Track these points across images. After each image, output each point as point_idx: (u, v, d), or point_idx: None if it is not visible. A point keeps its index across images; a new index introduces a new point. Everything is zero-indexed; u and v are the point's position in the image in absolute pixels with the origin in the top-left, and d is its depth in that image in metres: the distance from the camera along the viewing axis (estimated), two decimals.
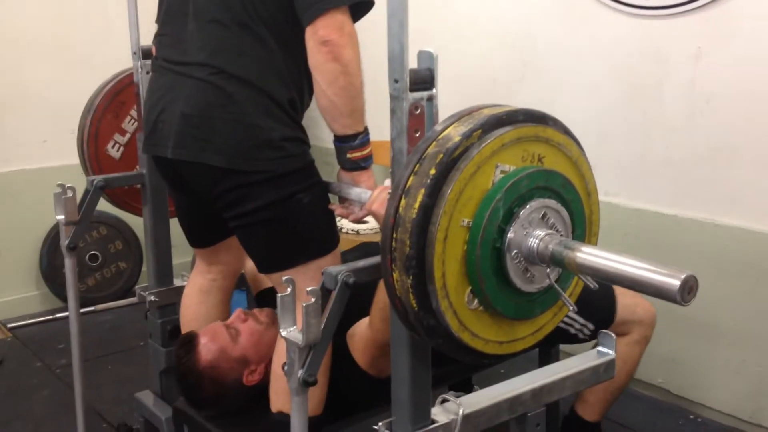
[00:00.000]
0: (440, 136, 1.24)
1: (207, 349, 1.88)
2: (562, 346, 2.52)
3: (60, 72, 3.78)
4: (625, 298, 2.11)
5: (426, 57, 1.38)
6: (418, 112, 1.34)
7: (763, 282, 2.44)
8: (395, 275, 1.23)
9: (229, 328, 1.92)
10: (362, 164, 1.73)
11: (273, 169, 1.71)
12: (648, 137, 2.70)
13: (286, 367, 1.34)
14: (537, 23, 3.01)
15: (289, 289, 1.32)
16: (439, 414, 1.47)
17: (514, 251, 1.26)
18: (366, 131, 1.73)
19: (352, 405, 1.95)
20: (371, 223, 3.34)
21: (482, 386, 2.76)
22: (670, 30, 2.58)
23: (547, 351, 2.43)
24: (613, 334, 1.69)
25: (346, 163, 1.74)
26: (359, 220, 1.80)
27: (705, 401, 2.67)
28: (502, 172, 1.26)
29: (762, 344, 2.49)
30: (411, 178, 1.22)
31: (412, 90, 1.33)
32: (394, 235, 1.21)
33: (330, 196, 1.84)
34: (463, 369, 2.21)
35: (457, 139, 1.22)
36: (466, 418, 1.46)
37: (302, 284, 1.53)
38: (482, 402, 1.50)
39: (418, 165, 1.23)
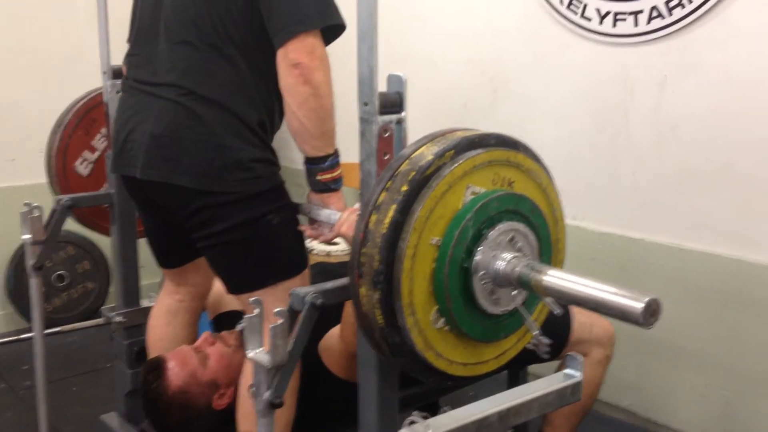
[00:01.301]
0: (413, 155, 1.26)
1: (176, 374, 1.86)
2: (530, 369, 2.53)
3: (30, 90, 3.75)
4: (581, 317, 2.13)
5: (395, 80, 1.40)
6: (387, 135, 1.36)
7: (729, 306, 2.48)
8: (362, 290, 1.24)
9: (197, 352, 1.90)
10: (332, 186, 1.74)
11: (242, 190, 1.71)
12: (616, 162, 2.73)
13: (252, 389, 1.33)
14: (507, 49, 3.04)
15: (256, 311, 1.31)
16: None
17: (482, 272, 1.27)
18: (336, 153, 1.74)
19: (331, 415, 1.94)
20: (342, 245, 3.34)
21: (450, 408, 2.76)
22: (636, 58, 2.62)
23: (515, 373, 2.44)
24: (579, 356, 1.71)
25: (315, 185, 1.74)
26: (329, 242, 1.80)
27: (672, 424, 2.69)
28: (473, 193, 1.28)
29: (727, 368, 2.52)
30: (382, 194, 1.24)
31: (381, 113, 1.35)
32: (363, 250, 1.23)
33: (300, 217, 1.84)
34: (431, 391, 2.21)
35: (429, 158, 1.24)
36: None
37: (271, 305, 1.52)
38: (449, 424, 1.50)
39: (390, 182, 1.24)
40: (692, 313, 2.55)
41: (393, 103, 1.38)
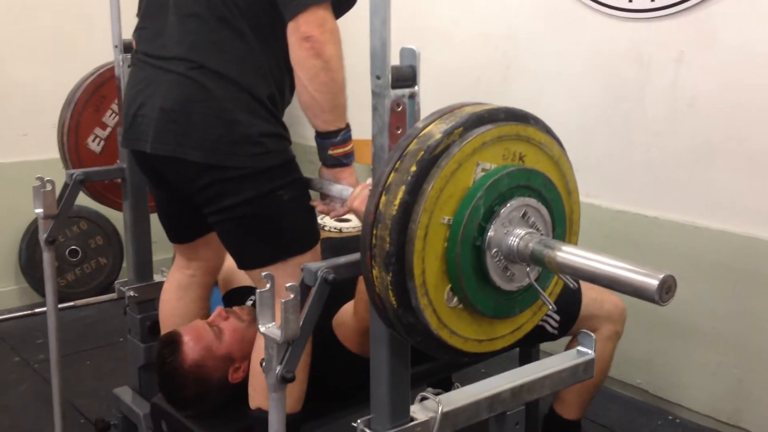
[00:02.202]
0: (421, 134, 1.24)
1: (191, 348, 1.87)
2: (542, 346, 2.53)
3: (41, 65, 3.75)
4: (591, 292, 2.12)
5: (408, 54, 1.38)
6: (399, 109, 1.34)
7: (742, 284, 2.46)
8: (375, 272, 1.22)
9: (212, 326, 1.91)
10: (344, 161, 1.73)
11: (252, 165, 1.70)
12: (630, 139, 2.71)
13: (264, 364, 1.33)
14: (520, 24, 3.01)
15: (268, 285, 1.31)
16: (418, 412, 1.47)
17: (494, 249, 1.26)
18: (348, 128, 1.72)
19: (342, 393, 1.94)
20: (354, 221, 3.33)
21: (463, 385, 2.76)
22: (652, 33, 2.59)
23: (527, 351, 2.44)
24: (592, 334, 1.70)
25: (327, 160, 1.73)
26: (340, 217, 1.80)
27: (683, 402, 2.69)
28: (483, 170, 1.26)
29: (740, 346, 2.51)
30: (392, 174, 1.21)
31: (394, 87, 1.33)
32: (374, 232, 1.21)
33: (311, 193, 1.83)
34: (443, 367, 2.21)
35: (438, 136, 1.22)
36: (445, 416, 1.46)
37: (282, 281, 1.53)
38: (461, 400, 1.50)
39: (399, 162, 1.22)
40: (705, 291, 2.54)
41: (406, 77, 1.35)
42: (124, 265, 3.93)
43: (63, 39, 3.80)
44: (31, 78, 3.73)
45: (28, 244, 3.77)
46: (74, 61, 3.65)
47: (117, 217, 3.84)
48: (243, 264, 1.83)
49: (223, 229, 1.81)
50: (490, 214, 1.25)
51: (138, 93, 1.79)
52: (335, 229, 3.29)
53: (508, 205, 1.26)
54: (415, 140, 1.23)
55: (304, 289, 1.34)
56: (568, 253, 1.22)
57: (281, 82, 1.77)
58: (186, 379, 1.86)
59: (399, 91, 1.34)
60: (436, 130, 1.23)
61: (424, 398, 1.50)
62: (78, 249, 3.84)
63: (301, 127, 2.49)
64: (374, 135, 1.35)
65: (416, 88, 1.36)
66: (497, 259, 1.27)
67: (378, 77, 1.33)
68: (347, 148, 1.72)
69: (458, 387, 2.73)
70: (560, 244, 1.25)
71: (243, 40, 1.70)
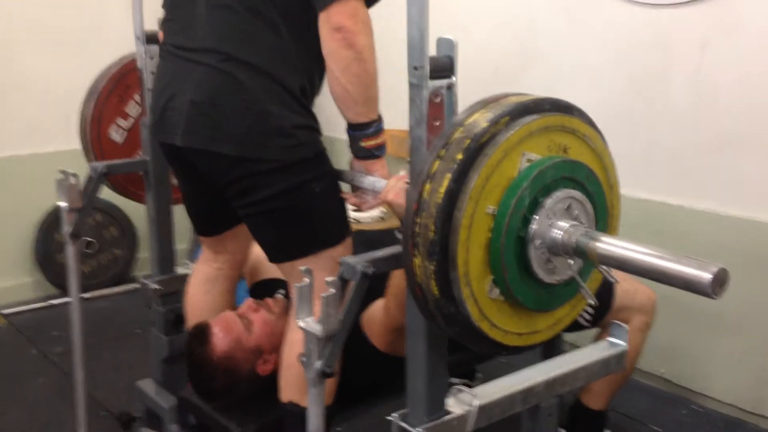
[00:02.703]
0: (466, 122, 1.23)
1: (221, 339, 1.86)
2: (566, 337, 2.51)
3: (54, 57, 3.73)
4: (624, 284, 2.11)
5: (446, 44, 1.37)
6: (437, 100, 1.32)
7: (767, 272, 2.45)
8: (417, 261, 1.21)
9: (242, 318, 1.90)
10: (376, 153, 1.71)
11: (284, 157, 1.68)
12: (653, 127, 2.69)
13: (303, 358, 1.32)
14: (539, 11, 2.99)
15: (306, 280, 1.30)
16: (454, 405, 1.46)
17: (538, 241, 1.25)
18: (380, 119, 1.71)
19: (364, 390, 1.93)
20: (373, 212, 3.31)
21: (485, 375, 2.76)
22: (676, 19, 2.56)
23: (551, 341, 2.43)
24: (624, 325, 1.69)
25: (359, 152, 1.72)
26: (371, 209, 1.78)
27: (707, 391, 2.68)
28: (529, 160, 1.25)
29: (765, 334, 2.49)
30: (436, 162, 1.20)
31: (432, 78, 1.31)
32: (417, 220, 1.20)
33: (342, 185, 1.82)
34: (469, 359, 2.20)
35: (484, 125, 1.21)
36: (481, 409, 1.45)
37: (314, 274, 1.52)
38: (496, 393, 1.49)
39: (443, 150, 1.21)
40: (731, 280, 2.51)
41: (443, 68, 1.34)
42: (139, 256, 3.99)
43: (76, 30, 3.78)
44: (44, 70, 3.71)
45: (42, 237, 3.76)
46: (88, 53, 3.65)
47: (131, 209, 3.85)
48: (274, 257, 1.82)
49: (255, 223, 1.79)
50: (535, 206, 1.24)
51: (167, 85, 1.77)
52: (353, 220, 3.27)
53: (553, 196, 1.26)
54: (460, 128, 1.22)
55: (343, 283, 1.32)
56: (615, 246, 1.21)
57: (312, 74, 1.75)
58: (215, 371, 1.85)
59: (437, 83, 1.32)
60: (482, 119, 1.22)
61: (459, 391, 1.49)
62: (93, 241, 3.83)
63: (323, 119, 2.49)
64: (411, 127, 1.34)
65: (454, 79, 1.35)
66: (541, 251, 1.26)
67: (416, 68, 1.31)
68: (379, 140, 1.71)
69: (481, 377, 2.74)
70: (605, 236, 1.24)
71: (274, 30, 1.68)
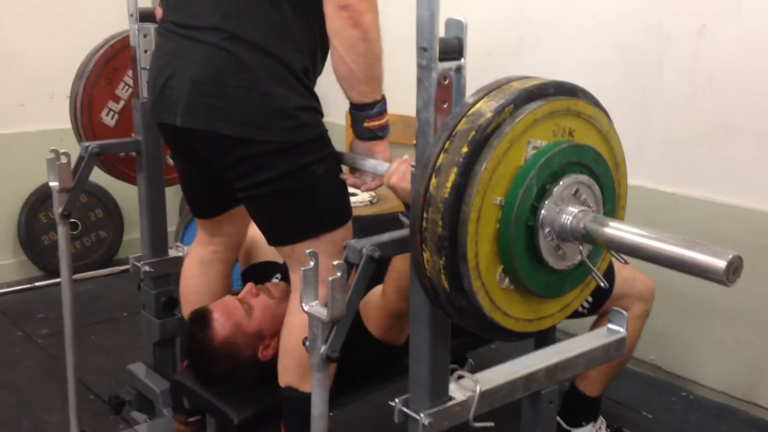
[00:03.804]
0: (470, 112, 1.20)
1: (221, 324, 1.83)
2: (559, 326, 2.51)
3: (38, 34, 3.66)
4: (623, 271, 2.11)
5: (455, 25, 1.34)
6: (446, 82, 1.30)
7: (760, 261, 2.45)
8: (426, 255, 1.19)
9: (242, 303, 1.87)
10: (379, 134, 1.70)
11: (286, 139, 1.66)
12: (647, 114, 2.68)
13: (307, 343, 1.30)
14: None
15: (312, 263, 1.28)
16: (456, 391, 1.46)
17: (547, 229, 1.24)
18: (384, 100, 1.69)
19: (359, 377, 1.92)
20: (361, 196, 3.30)
21: (475, 362, 2.76)
22: (672, 5, 2.55)
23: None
24: (624, 312, 1.69)
25: (362, 133, 1.70)
26: (372, 191, 1.77)
27: (697, 378, 2.69)
28: (534, 148, 1.23)
29: (757, 322, 2.50)
30: (441, 155, 1.18)
31: (440, 60, 1.29)
32: (425, 215, 1.18)
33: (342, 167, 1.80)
34: (463, 346, 2.19)
35: (489, 115, 1.18)
36: (483, 395, 1.44)
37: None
38: (498, 379, 1.49)
39: (448, 142, 1.19)
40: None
41: (452, 49, 1.31)
42: (126, 238, 3.95)
43: (61, 7, 3.71)
44: (28, 47, 3.65)
45: (27, 217, 3.71)
46: (74, 30, 3.60)
47: (117, 190, 3.80)
48: (274, 240, 1.80)
49: (255, 205, 1.77)
50: (543, 194, 1.23)
51: (167, 64, 1.73)
52: None
53: (561, 183, 1.24)
54: (464, 119, 1.20)
55: (349, 267, 1.30)
56: (627, 232, 1.20)
57: (315, 54, 1.73)
58: (215, 356, 1.83)
59: (446, 64, 1.30)
60: (486, 108, 1.20)
61: (460, 377, 1.49)
62: (78, 222, 3.78)
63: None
64: (419, 109, 1.32)
65: (463, 61, 1.33)
66: (550, 238, 1.25)
67: (425, 49, 1.29)
68: (383, 121, 1.69)
69: (472, 364, 2.73)
70: (614, 222, 1.23)
71: (277, 9, 1.65)
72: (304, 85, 1.69)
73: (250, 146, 1.66)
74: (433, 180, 1.17)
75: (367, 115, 1.67)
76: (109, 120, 2.39)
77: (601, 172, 1.33)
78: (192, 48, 1.69)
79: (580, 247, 1.28)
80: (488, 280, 1.22)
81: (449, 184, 1.16)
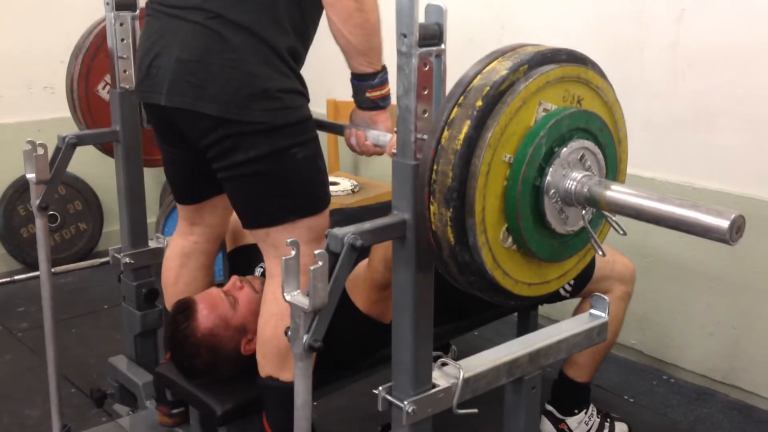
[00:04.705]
0: (485, 70, 1.23)
1: (205, 316, 1.82)
2: (541, 310, 2.52)
3: (15, 24, 3.60)
4: None
5: (434, 11, 1.34)
6: (426, 68, 1.30)
7: (741, 245, 2.43)
8: (433, 208, 1.22)
9: (227, 295, 1.86)
10: (381, 103, 1.71)
11: (268, 120, 1.65)
12: (628, 100, 2.62)
13: (289, 332, 1.29)
14: None
15: (293, 252, 1.27)
16: (440, 378, 1.46)
17: (552, 191, 1.26)
18: (384, 70, 1.70)
19: (345, 360, 1.92)
20: (342, 185, 3.29)
21: (459, 349, 2.76)
22: None
23: (526, 314, 2.44)
24: (605, 297, 1.70)
25: (364, 102, 1.71)
26: (369, 155, 1.79)
27: (678, 362, 2.71)
28: (545, 110, 1.26)
29: (738, 306, 2.52)
30: (455, 109, 1.21)
31: (420, 45, 1.28)
32: (435, 167, 1.21)
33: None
34: (446, 333, 2.19)
35: (504, 72, 1.22)
36: (466, 381, 1.46)
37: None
38: (481, 366, 1.50)
39: (462, 97, 1.21)
40: (703, 251, 2.54)
41: (433, 35, 1.31)
42: (105, 230, 3.91)
43: None
44: (4, 37, 3.59)
45: (5, 210, 3.66)
46: (51, 20, 3.55)
47: (96, 182, 3.77)
48: (249, 223, 1.78)
49: (233, 186, 1.75)
50: (551, 155, 1.26)
51: (153, 44, 1.72)
52: None
53: (568, 146, 1.27)
54: (479, 76, 1.23)
55: (331, 255, 1.29)
56: (630, 194, 1.22)
57: (304, 35, 1.72)
58: (198, 348, 1.81)
59: (426, 50, 1.30)
60: (501, 67, 1.23)
61: (444, 364, 1.49)
62: (57, 214, 3.74)
63: None
64: (399, 96, 1.32)
65: (443, 46, 1.32)
66: (554, 200, 1.28)
67: (404, 35, 1.28)
68: (384, 91, 1.71)
69: (455, 351, 2.73)
70: (618, 185, 1.26)
71: None
72: (289, 67, 1.68)
73: (232, 126, 1.64)
74: (446, 132, 1.21)
75: (369, 85, 1.68)
76: (105, 93, 2.37)
77: (606, 142, 1.35)
78: (178, 27, 1.68)
79: (583, 212, 1.30)
80: (492, 236, 1.25)
81: (462, 136, 1.19)
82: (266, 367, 1.77)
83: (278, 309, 1.69)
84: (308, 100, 1.75)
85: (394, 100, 1.42)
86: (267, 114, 1.64)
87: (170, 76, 1.67)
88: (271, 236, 1.74)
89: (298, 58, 1.73)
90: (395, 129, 1.33)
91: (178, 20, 1.68)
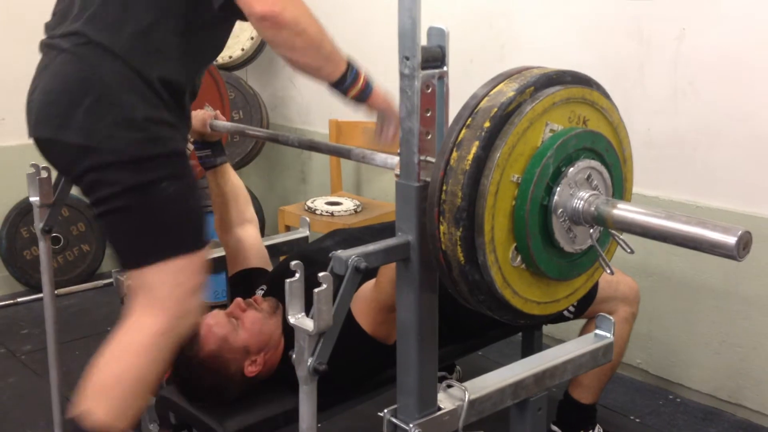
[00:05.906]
0: (491, 92, 1.26)
1: (209, 338, 1.80)
2: (547, 330, 2.52)
3: (14, 46, 3.62)
4: (607, 275, 2.10)
5: (437, 34, 1.35)
6: (429, 90, 1.30)
7: (745, 263, 2.45)
8: (443, 228, 1.23)
9: (230, 317, 1.85)
10: (364, 96, 1.70)
11: (133, 151, 1.58)
12: (629, 118, 2.65)
13: (294, 356, 1.29)
14: (515, 1, 2.97)
15: (297, 275, 1.27)
16: (445, 400, 1.45)
17: (560, 210, 1.28)
18: (350, 66, 1.67)
19: (349, 380, 1.91)
20: (345, 205, 3.29)
21: (463, 370, 2.74)
22: (653, 10, 2.57)
23: (530, 334, 2.43)
24: (611, 317, 1.69)
25: (350, 103, 1.72)
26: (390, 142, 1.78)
27: (685, 382, 2.70)
28: (551, 130, 1.28)
29: (743, 325, 2.51)
30: (463, 131, 1.23)
31: (423, 68, 1.29)
32: (444, 188, 1.23)
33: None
34: (450, 354, 2.18)
35: (511, 94, 1.24)
36: (471, 403, 1.45)
37: (160, 285, 1.59)
38: (487, 387, 1.50)
39: (470, 119, 1.24)
40: (708, 270, 2.54)
41: (435, 57, 1.32)
42: (108, 251, 3.90)
43: (34, 18, 3.65)
44: (9, 60, 3.61)
45: (8, 232, 3.67)
46: None
47: None
48: (125, 263, 1.70)
49: (105, 224, 1.67)
50: (558, 174, 1.27)
51: (33, 80, 1.70)
52: (326, 212, 3.25)
53: (575, 166, 1.28)
54: (486, 98, 1.25)
55: (335, 278, 1.29)
56: (637, 212, 1.23)
57: (196, 63, 1.71)
58: (201, 370, 1.80)
59: (428, 72, 1.30)
60: (508, 89, 1.25)
61: (449, 386, 1.48)
62: (60, 236, 3.75)
63: (285, 109, 2.44)
64: (402, 118, 1.32)
65: (445, 68, 1.33)
66: (562, 219, 1.29)
67: (407, 58, 1.29)
68: (360, 84, 1.68)
69: (460, 371, 2.72)
70: (625, 204, 1.26)
71: (151, 13, 1.61)
72: (159, 97, 1.63)
73: (96, 157, 1.58)
74: (454, 153, 1.23)
75: (344, 89, 1.68)
76: None
77: (612, 161, 1.37)
78: (51, 59, 1.65)
79: (591, 231, 1.32)
80: (502, 255, 1.26)
81: (470, 157, 1.21)
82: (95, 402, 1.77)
83: (132, 339, 1.70)
84: (183, 134, 1.70)
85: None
86: (131, 145, 1.59)
87: (36, 108, 1.64)
88: (146, 277, 1.65)
89: (177, 88, 1.68)
90: (398, 150, 1.33)
91: (54, 51, 1.65)
